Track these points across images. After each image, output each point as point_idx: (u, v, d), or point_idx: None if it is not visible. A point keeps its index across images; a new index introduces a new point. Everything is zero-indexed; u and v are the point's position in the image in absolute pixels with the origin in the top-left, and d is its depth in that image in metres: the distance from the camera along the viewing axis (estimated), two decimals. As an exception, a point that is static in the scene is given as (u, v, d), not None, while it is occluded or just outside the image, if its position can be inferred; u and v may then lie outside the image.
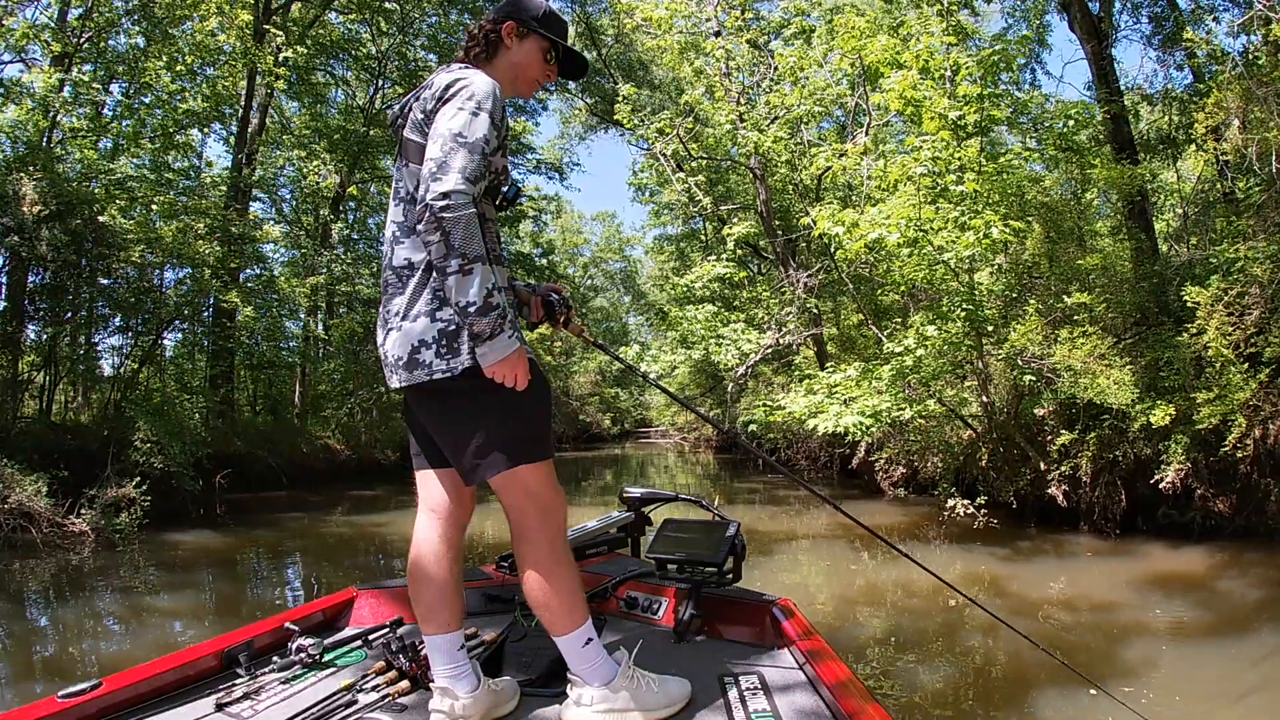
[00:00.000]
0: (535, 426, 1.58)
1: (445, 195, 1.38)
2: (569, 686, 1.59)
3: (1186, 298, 6.47)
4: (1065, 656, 4.35)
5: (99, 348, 11.93)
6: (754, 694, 1.65)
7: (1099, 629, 4.73)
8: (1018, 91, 8.75)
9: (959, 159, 6.46)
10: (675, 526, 2.38)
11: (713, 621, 2.09)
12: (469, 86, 1.50)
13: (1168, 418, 6.20)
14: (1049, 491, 7.21)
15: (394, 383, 1.58)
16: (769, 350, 10.59)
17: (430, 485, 1.69)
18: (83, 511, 7.59)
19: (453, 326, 1.50)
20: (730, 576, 2.19)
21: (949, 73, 7.29)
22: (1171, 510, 7.02)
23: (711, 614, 2.10)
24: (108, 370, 11.86)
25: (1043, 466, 7.20)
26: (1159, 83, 10.99)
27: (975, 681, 4.01)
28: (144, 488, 8.09)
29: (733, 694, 1.66)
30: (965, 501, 7.25)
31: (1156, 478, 6.59)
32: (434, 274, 1.49)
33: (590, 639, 1.59)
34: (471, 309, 1.42)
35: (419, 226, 1.43)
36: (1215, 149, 7.17)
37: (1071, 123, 7.03)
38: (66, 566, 6.79)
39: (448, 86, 1.52)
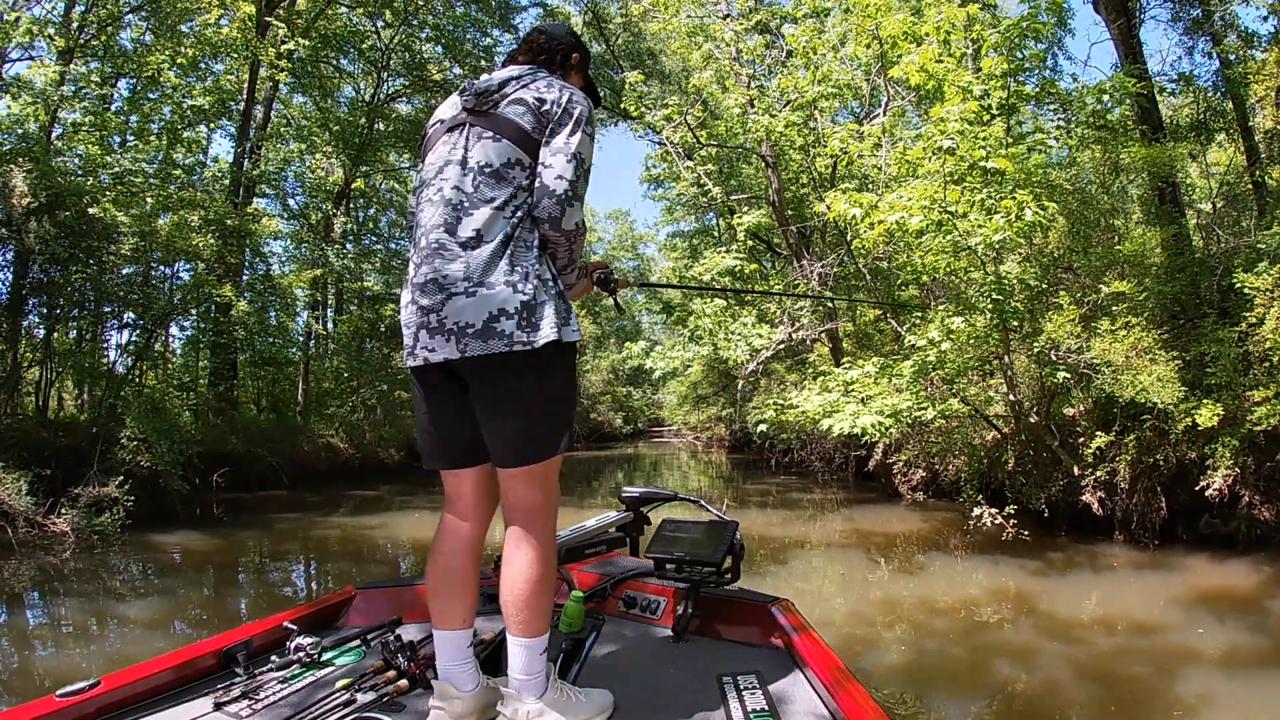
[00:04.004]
0: (572, 417, 1.64)
1: (578, 226, 1.60)
2: (502, 702, 1.54)
3: (1243, 284, 5.93)
4: (1105, 685, 3.94)
5: (105, 344, 11.83)
6: (752, 693, 1.65)
7: (1142, 654, 4.29)
8: (1047, 71, 8.24)
9: (984, 139, 5.98)
10: (674, 526, 2.35)
11: (711, 621, 2.08)
12: (584, 109, 1.62)
13: (1216, 418, 5.69)
14: (1083, 498, 6.70)
15: (449, 352, 1.51)
16: (781, 346, 10.15)
17: (456, 483, 1.67)
18: (63, 511, 7.33)
19: (534, 300, 1.51)
20: (729, 576, 2.16)
21: (971, 50, 6.83)
22: (1215, 519, 6.51)
23: (710, 614, 2.09)
24: (117, 364, 11.69)
25: (1076, 471, 6.68)
26: (1183, 67, 10.50)
27: (1009, 715, 3.57)
28: (126, 487, 7.82)
29: (731, 694, 1.65)
30: (993, 510, 6.73)
31: (1203, 483, 6.07)
32: (516, 247, 1.54)
33: (546, 648, 1.57)
34: (574, 289, 1.76)
35: (552, 243, 1.59)
36: (1270, 114, 6.60)
37: (1105, 97, 6.49)
38: (43, 567, 6.53)
39: (570, 100, 1.60)
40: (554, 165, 1.55)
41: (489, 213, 1.54)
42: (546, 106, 1.58)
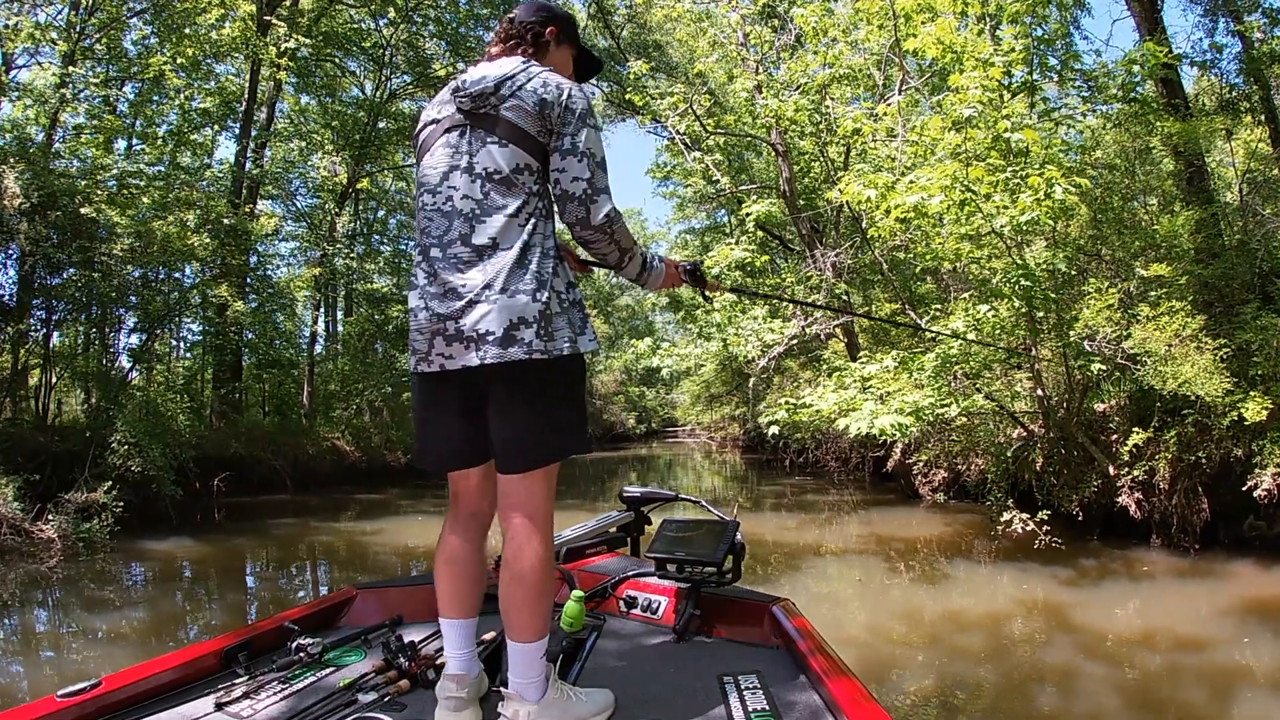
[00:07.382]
0: (579, 422, 1.64)
1: (608, 217, 1.59)
2: (502, 703, 1.55)
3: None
4: (1147, 708, 3.54)
5: (114, 348, 11.72)
6: (753, 693, 1.65)
7: (1187, 671, 3.92)
8: (1072, 46, 7.80)
9: (1007, 114, 5.56)
10: (675, 526, 2.35)
11: (713, 621, 2.10)
12: (583, 103, 1.60)
13: (1265, 411, 5.25)
14: (1119, 500, 6.27)
15: (468, 359, 1.51)
16: (794, 341, 9.76)
17: (463, 484, 1.70)
18: (50, 517, 7.12)
19: (550, 309, 1.53)
20: (730, 576, 2.16)
21: (990, 25, 6.44)
22: (1260, 521, 6.07)
23: (711, 614, 2.10)
24: (114, 367, 11.57)
25: (1111, 471, 6.24)
26: (1205, 48, 10.02)
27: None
28: (114, 492, 7.60)
29: (732, 694, 1.65)
30: (1024, 516, 6.27)
31: (1250, 483, 5.63)
32: (534, 255, 1.55)
33: (545, 652, 1.57)
34: (643, 277, 1.75)
35: (591, 242, 1.61)
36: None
37: (1135, 69, 6.04)
38: (27, 574, 6.32)
39: (569, 96, 1.58)
40: (568, 169, 1.57)
41: (503, 220, 1.55)
42: (547, 108, 1.57)
